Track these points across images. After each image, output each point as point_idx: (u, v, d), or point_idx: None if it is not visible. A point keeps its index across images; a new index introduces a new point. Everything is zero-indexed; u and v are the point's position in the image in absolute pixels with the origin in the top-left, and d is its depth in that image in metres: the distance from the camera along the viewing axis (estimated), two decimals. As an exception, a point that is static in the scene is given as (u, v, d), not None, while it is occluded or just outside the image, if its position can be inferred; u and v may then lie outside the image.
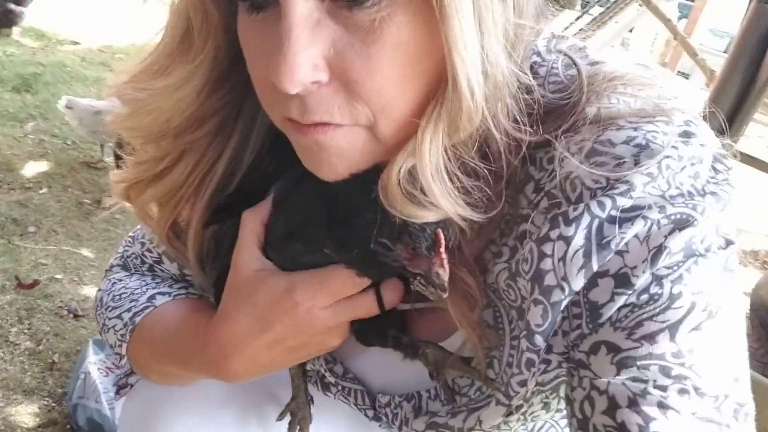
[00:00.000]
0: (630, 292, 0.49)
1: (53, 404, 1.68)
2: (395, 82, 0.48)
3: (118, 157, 0.72)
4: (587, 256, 0.50)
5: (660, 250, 0.48)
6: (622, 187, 0.49)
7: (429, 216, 0.51)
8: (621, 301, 0.50)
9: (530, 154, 0.55)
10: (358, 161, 0.53)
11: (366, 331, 0.65)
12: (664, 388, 0.47)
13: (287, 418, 0.73)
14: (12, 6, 4.34)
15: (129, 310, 0.77)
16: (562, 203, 0.52)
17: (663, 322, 0.48)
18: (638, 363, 0.48)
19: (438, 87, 0.50)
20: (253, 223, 0.64)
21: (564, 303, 0.52)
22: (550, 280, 0.51)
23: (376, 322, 0.63)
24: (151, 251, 0.82)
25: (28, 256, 2.25)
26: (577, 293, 0.52)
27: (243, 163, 0.66)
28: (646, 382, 0.47)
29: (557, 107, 0.55)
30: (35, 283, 2.11)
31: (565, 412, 0.55)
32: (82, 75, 4.31)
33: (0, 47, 4.24)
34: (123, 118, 0.63)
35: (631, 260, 0.49)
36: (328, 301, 0.60)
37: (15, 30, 4.55)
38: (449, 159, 0.51)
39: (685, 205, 0.49)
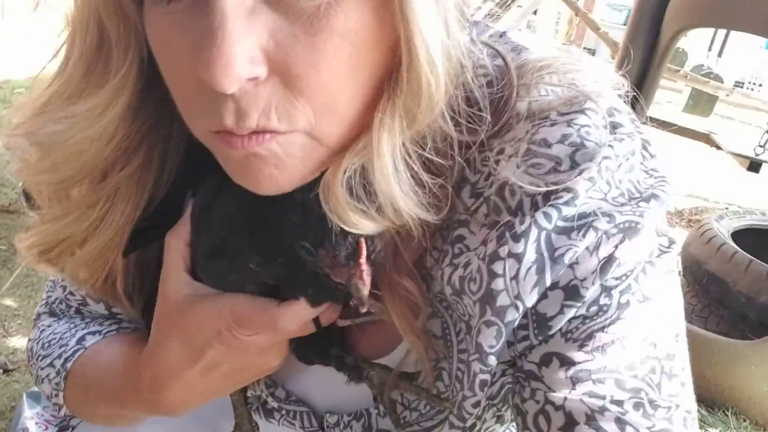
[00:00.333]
0: (579, 304, 0.49)
1: (-8, 467, 1.58)
2: (342, 75, 0.44)
3: (29, 198, 0.63)
4: (540, 272, 0.48)
5: (609, 261, 0.48)
6: (566, 196, 0.48)
7: (371, 226, 0.48)
8: (571, 313, 0.49)
9: (464, 154, 0.53)
10: (300, 170, 0.48)
11: (306, 350, 0.62)
12: (620, 403, 0.47)
13: None
14: None
15: (60, 356, 0.72)
16: (502, 211, 0.51)
17: (614, 333, 0.48)
18: (593, 377, 0.48)
19: (385, 78, 0.46)
20: (177, 245, 0.59)
21: (517, 321, 0.50)
22: (503, 300, 0.50)
23: (316, 339, 0.60)
24: (74, 294, 0.77)
25: (-55, 313, 2.11)
26: None
27: (161, 187, 0.61)
28: (603, 398, 0.47)
29: (489, 102, 0.52)
30: (-44, 341, 1.98)
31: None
32: (-18, 117, 4.10)
33: None
34: (37, 161, 0.55)
35: (581, 272, 0.48)
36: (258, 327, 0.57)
37: None
38: (408, 155, 0.48)
39: (633, 213, 0.48)
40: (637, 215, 0.48)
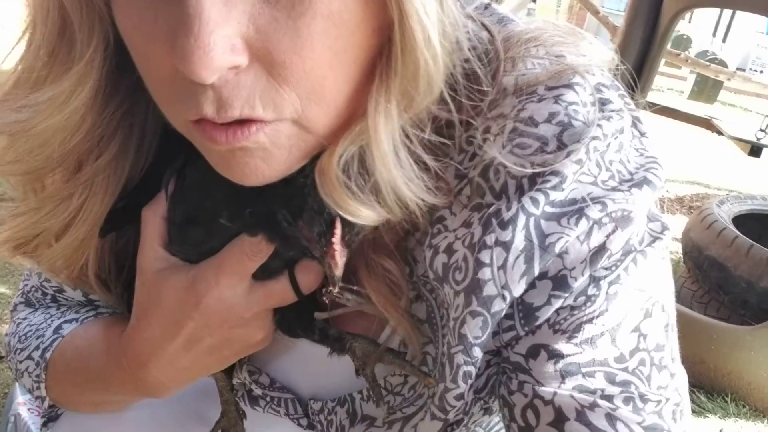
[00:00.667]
0: (567, 294, 0.47)
1: (-17, 455, 1.57)
2: (327, 59, 0.41)
3: None
4: (529, 261, 0.47)
5: (600, 251, 0.46)
6: (553, 180, 0.46)
7: (372, 215, 0.46)
8: (558, 303, 0.47)
9: (449, 133, 0.50)
10: (286, 160, 0.45)
11: (290, 323, 0.61)
12: (610, 398, 0.46)
13: None
14: None
15: (37, 347, 0.70)
16: (486, 193, 0.49)
17: (603, 325, 0.47)
18: (583, 370, 0.47)
19: (374, 61, 0.44)
20: (153, 219, 0.58)
21: (504, 311, 0.49)
22: (490, 290, 0.48)
23: (301, 312, 0.59)
24: (49, 281, 0.74)
25: (-63, 301, 2.10)
26: None
27: (137, 170, 0.58)
28: (593, 393, 0.46)
29: (476, 78, 0.50)
30: (-51, 329, 1.97)
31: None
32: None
33: None
34: (1, 152, 0.52)
35: (571, 262, 0.47)
36: (234, 283, 0.55)
37: None
38: (408, 139, 0.45)
39: (625, 200, 0.46)
40: (629, 203, 0.46)
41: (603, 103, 0.49)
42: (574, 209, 0.46)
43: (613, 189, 0.47)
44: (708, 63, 3.69)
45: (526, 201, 0.46)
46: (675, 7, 2.12)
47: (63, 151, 0.51)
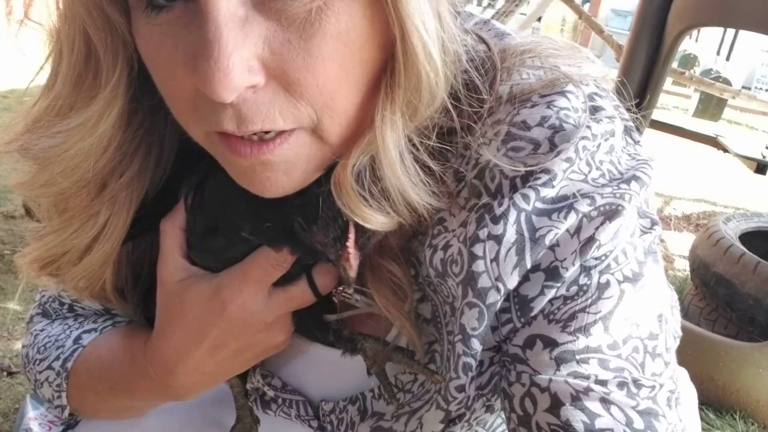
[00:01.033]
0: (559, 284, 0.49)
1: (-5, 469, 1.58)
2: (337, 75, 0.44)
3: (29, 211, 0.63)
4: (520, 253, 0.49)
5: (590, 241, 0.48)
6: (544, 177, 0.48)
7: (385, 221, 0.49)
8: (551, 293, 0.49)
9: (449, 139, 0.53)
10: (305, 171, 0.49)
11: (307, 323, 0.63)
12: (605, 383, 0.47)
13: None
14: None
15: (58, 357, 0.71)
16: (482, 194, 0.51)
17: (596, 313, 0.48)
18: (577, 357, 0.48)
19: (380, 74, 0.47)
20: (172, 231, 0.60)
21: (499, 304, 0.51)
22: (484, 282, 0.50)
23: (316, 313, 0.61)
24: (67, 290, 0.77)
25: (-50, 316, 2.12)
26: None
27: (158, 181, 0.61)
28: (587, 378, 0.47)
29: (474, 88, 0.53)
30: (-39, 345, 1.99)
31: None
32: (-11, 124, 4.13)
33: None
34: (33, 176, 0.54)
35: (561, 253, 0.49)
36: (257, 291, 0.57)
37: None
38: (413, 147, 0.48)
39: (613, 195, 0.49)
40: (618, 197, 0.48)
41: (596, 109, 0.52)
42: (565, 204, 0.48)
43: (603, 186, 0.49)
44: (712, 81, 3.72)
45: (517, 197, 0.48)
46: (679, 26, 2.13)
47: (92, 171, 0.54)
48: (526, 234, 0.49)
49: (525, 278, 0.50)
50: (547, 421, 0.47)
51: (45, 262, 0.60)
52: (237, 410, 0.69)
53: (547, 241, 0.48)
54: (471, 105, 0.52)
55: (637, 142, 0.54)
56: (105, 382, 0.69)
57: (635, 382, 0.48)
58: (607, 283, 0.49)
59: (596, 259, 0.49)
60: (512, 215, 0.48)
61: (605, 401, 0.46)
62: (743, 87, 8.16)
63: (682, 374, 0.79)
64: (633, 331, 0.49)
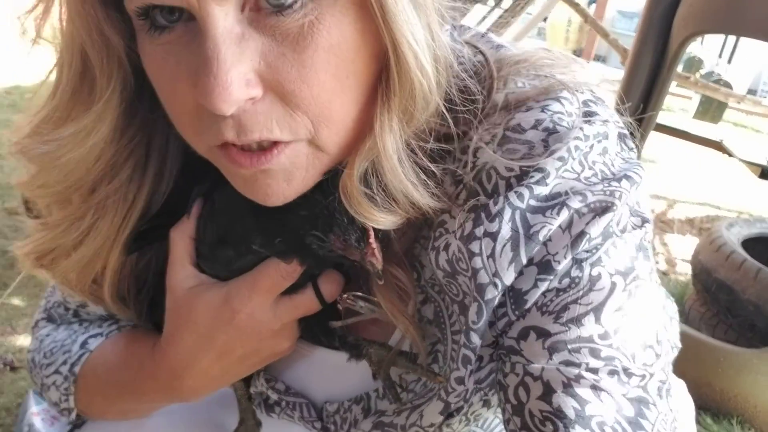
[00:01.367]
0: (552, 277, 0.51)
1: (-3, 464, 1.60)
2: (331, 85, 0.47)
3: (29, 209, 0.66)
4: (515, 249, 0.50)
5: (581, 235, 0.50)
6: (537, 175, 0.50)
7: (391, 220, 0.51)
8: (544, 286, 0.51)
9: (447, 144, 0.55)
10: (304, 179, 0.51)
11: (313, 330, 0.65)
12: (595, 371, 0.48)
13: None
14: None
15: (65, 362, 0.74)
16: (479, 193, 0.53)
17: (587, 304, 0.50)
18: (569, 347, 0.49)
19: (374, 83, 0.49)
20: (181, 240, 0.62)
21: (497, 300, 0.52)
22: (482, 278, 0.52)
23: (322, 320, 0.63)
24: (73, 296, 0.78)
25: (-47, 311, 2.13)
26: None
27: (160, 195, 0.63)
28: (578, 366, 0.48)
29: (470, 95, 0.55)
30: (-36, 339, 2.00)
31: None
32: (-7, 119, 4.15)
33: None
34: (31, 177, 0.58)
35: (553, 248, 0.50)
36: (266, 300, 0.59)
37: None
38: (412, 151, 0.51)
39: (603, 193, 0.50)
40: (608, 194, 0.50)
41: (590, 114, 0.54)
42: (557, 202, 0.50)
43: (594, 184, 0.51)
44: (717, 86, 3.71)
45: (512, 195, 0.50)
46: (684, 32, 2.14)
47: (85, 177, 0.57)
48: (521, 230, 0.50)
49: (519, 273, 0.52)
50: (539, 408, 0.49)
51: (38, 255, 0.63)
52: (240, 413, 0.71)
53: (541, 236, 0.50)
54: (467, 111, 0.54)
55: (631, 149, 0.55)
56: (114, 385, 0.71)
57: (625, 370, 0.49)
58: (599, 276, 0.50)
59: (587, 252, 0.50)
60: (507, 213, 0.50)
61: (596, 388, 0.48)
62: (749, 90, 8.15)
63: (680, 386, 0.80)
64: (624, 323, 0.50)
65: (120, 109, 0.54)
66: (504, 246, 0.51)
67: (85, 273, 0.64)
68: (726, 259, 2.45)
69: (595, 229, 0.50)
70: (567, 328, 0.50)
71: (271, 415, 0.73)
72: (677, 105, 7.28)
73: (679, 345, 0.58)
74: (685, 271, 3.05)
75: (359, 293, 0.61)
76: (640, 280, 0.52)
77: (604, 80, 0.58)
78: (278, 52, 0.45)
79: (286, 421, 0.72)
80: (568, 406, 0.47)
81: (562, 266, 0.50)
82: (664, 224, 3.92)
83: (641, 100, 2.16)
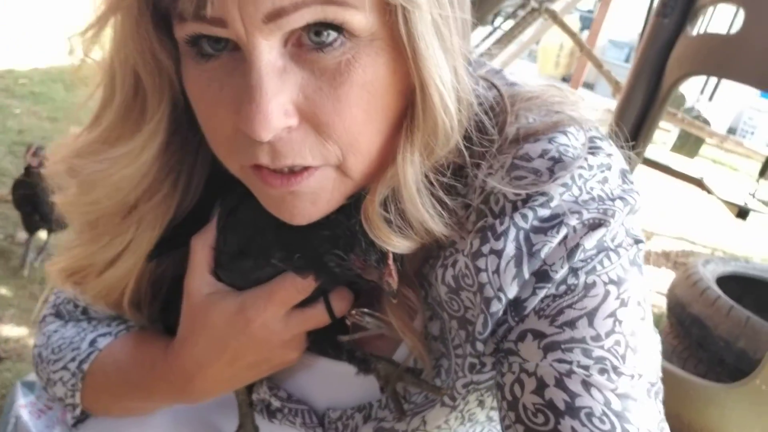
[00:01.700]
0: (549, 285, 0.54)
1: (-21, 454, 1.59)
2: (362, 119, 0.50)
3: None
4: (519, 265, 0.54)
5: (576, 247, 0.53)
6: (541, 199, 0.54)
7: (407, 244, 0.55)
8: (542, 293, 0.55)
9: (461, 174, 0.59)
10: (329, 201, 0.54)
11: (322, 343, 0.68)
12: (586, 368, 0.51)
13: None
14: None
15: (73, 359, 0.76)
16: (487, 216, 0.56)
17: (581, 309, 0.53)
18: (562, 346, 0.52)
19: (400, 117, 0.53)
20: (202, 248, 0.65)
21: (500, 312, 0.56)
22: (488, 292, 0.56)
23: (331, 333, 0.66)
24: (87, 299, 0.80)
25: (-62, 298, 2.12)
26: None
27: (185, 206, 0.66)
28: (570, 363, 0.52)
29: (485, 130, 0.59)
30: (-51, 326, 2.00)
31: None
32: (-15, 102, 4.12)
33: None
34: (78, 195, 0.61)
35: (551, 259, 0.54)
36: (279, 312, 0.62)
37: None
38: (430, 182, 0.55)
39: (597, 210, 0.54)
40: (601, 212, 0.54)
41: (595, 148, 0.57)
42: (557, 222, 0.54)
43: (590, 202, 0.55)
44: (703, 125, 3.81)
45: (516, 216, 0.54)
46: (677, 72, 2.20)
47: (131, 194, 0.60)
48: (524, 249, 0.54)
49: (521, 286, 0.55)
50: (532, 402, 0.52)
51: (71, 272, 0.66)
52: (240, 417, 0.74)
53: (543, 254, 0.54)
54: (482, 145, 0.58)
55: (632, 183, 0.59)
56: (123, 384, 0.73)
57: (615, 369, 0.52)
58: (593, 284, 0.54)
59: (582, 261, 0.54)
60: (512, 233, 0.54)
61: (585, 383, 0.51)
62: (729, 129, 8.31)
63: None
64: (616, 327, 0.53)
65: (169, 130, 0.58)
66: (508, 263, 0.54)
67: (116, 288, 0.67)
68: (701, 295, 2.53)
69: (589, 242, 0.53)
70: (561, 330, 0.53)
71: (273, 420, 0.76)
72: (656, 137, 7.39)
73: (660, 374, 0.61)
74: (659, 303, 3.12)
75: (367, 310, 0.64)
76: (633, 291, 0.55)
77: (600, 110, 0.62)
78: (316, 85, 0.48)
79: (288, 427, 0.75)
80: (559, 398, 0.50)
81: (559, 275, 0.54)
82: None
83: (631, 134, 2.22)
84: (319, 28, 0.47)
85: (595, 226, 0.54)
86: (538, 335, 0.54)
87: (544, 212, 0.54)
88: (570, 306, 0.54)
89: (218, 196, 0.67)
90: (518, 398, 0.53)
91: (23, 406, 1.60)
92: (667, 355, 2.58)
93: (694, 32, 2.06)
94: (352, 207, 0.56)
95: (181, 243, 0.67)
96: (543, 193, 0.54)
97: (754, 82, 2.21)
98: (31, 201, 2.43)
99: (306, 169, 0.51)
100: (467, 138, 0.56)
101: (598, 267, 0.54)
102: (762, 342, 2.31)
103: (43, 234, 2.55)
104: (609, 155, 0.58)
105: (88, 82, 0.58)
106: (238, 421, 0.74)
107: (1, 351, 1.95)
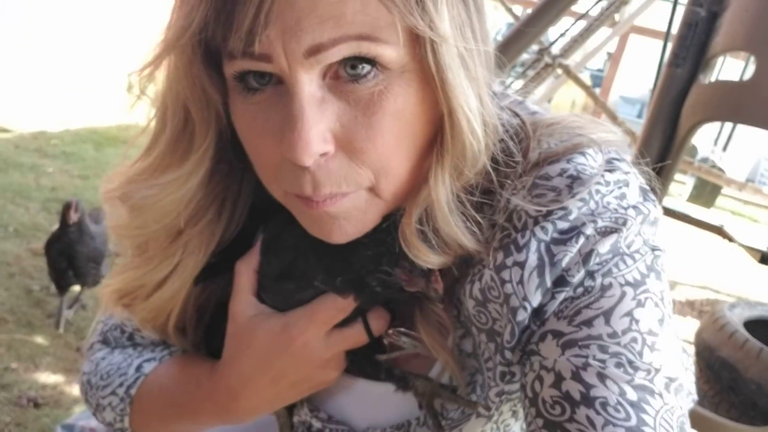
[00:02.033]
0: (567, 288, 0.57)
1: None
2: (393, 144, 0.55)
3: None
4: (541, 275, 0.57)
5: (590, 253, 0.56)
6: (560, 212, 0.57)
7: (441, 260, 0.59)
8: (561, 297, 0.57)
9: (488, 196, 0.63)
10: (363, 220, 0.59)
11: (360, 362, 0.71)
12: (602, 362, 0.53)
13: None
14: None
15: (121, 384, 0.79)
16: (510, 232, 0.60)
17: (598, 309, 0.55)
18: (579, 343, 0.55)
19: (430, 142, 0.57)
20: (246, 272, 0.69)
21: (526, 321, 0.59)
22: (513, 302, 0.58)
23: (369, 353, 0.69)
24: (131, 319, 0.82)
25: (-21, 346, 2.17)
26: None
27: (230, 233, 0.71)
28: (586, 357, 0.53)
29: (510, 154, 0.62)
30: (-11, 374, 2.04)
31: None
32: (18, 162, 4.26)
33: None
34: (129, 220, 0.65)
35: (567, 265, 0.57)
36: (321, 331, 0.66)
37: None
38: (460, 202, 0.59)
39: (610, 219, 0.57)
40: (613, 221, 0.57)
41: (612, 167, 0.60)
42: (575, 233, 0.57)
43: (605, 212, 0.57)
44: (719, 172, 3.85)
45: (537, 230, 0.57)
46: (693, 119, 2.25)
47: (177, 218, 0.64)
48: (546, 258, 0.57)
49: (544, 294, 0.58)
50: (550, 395, 0.53)
51: (122, 294, 0.70)
52: None
53: (564, 263, 0.56)
54: (508, 166, 0.61)
55: (653, 201, 0.61)
56: (169, 406, 0.76)
57: (631, 363, 0.53)
58: (610, 285, 0.56)
59: (598, 264, 0.56)
60: (533, 245, 0.57)
61: (601, 375, 0.52)
62: (747, 179, 8.28)
63: None
64: (632, 326, 0.55)
65: (214, 159, 0.63)
66: (531, 273, 0.57)
67: (162, 311, 0.71)
68: (729, 338, 2.52)
69: (603, 247, 0.55)
70: (579, 329, 0.54)
71: None
72: (671, 189, 7.40)
73: (695, 396, 0.62)
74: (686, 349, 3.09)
75: (403, 329, 0.67)
76: (651, 294, 0.56)
77: (620, 133, 0.65)
78: (351, 114, 0.52)
79: None
80: (575, 390, 0.52)
81: (576, 279, 0.56)
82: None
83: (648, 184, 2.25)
84: (354, 62, 0.52)
85: (607, 232, 0.56)
86: (557, 334, 0.56)
87: (563, 225, 0.57)
88: (587, 306, 0.56)
89: (260, 225, 0.71)
90: (538, 393, 0.55)
91: (64, 448, 1.64)
92: (699, 399, 2.54)
93: (707, 81, 2.11)
94: (390, 227, 0.60)
95: (226, 269, 0.71)
96: (562, 208, 0.57)
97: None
98: (67, 256, 2.46)
99: (340, 193, 0.56)
100: (494, 160, 0.60)
101: (614, 270, 0.56)
102: (794, 384, 2.29)
103: (76, 287, 2.61)
104: (626, 173, 0.61)
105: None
106: None
107: (39, 397, 1.98)
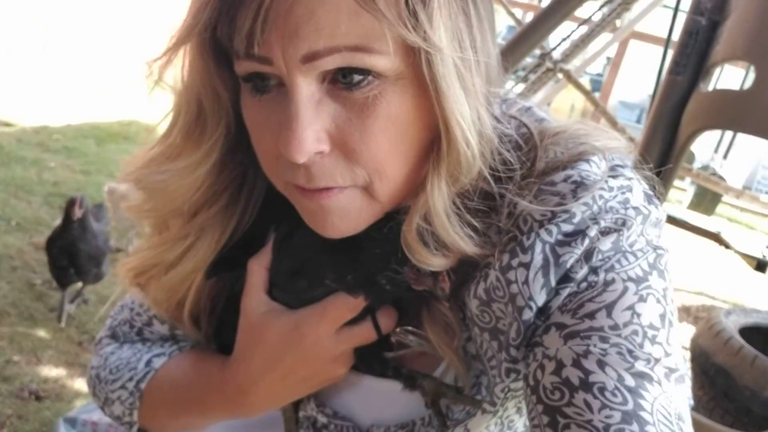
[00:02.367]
0: (571, 284, 0.58)
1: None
2: (387, 147, 0.57)
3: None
4: (546, 275, 0.58)
5: (591, 250, 0.58)
6: (564, 216, 0.59)
7: (444, 262, 0.61)
8: (565, 293, 0.59)
9: (491, 202, 0.64)
10: (356, 218, 0.61)
11: (369, 359, 0.72)
12: (603, 350, 0.55)
13: None
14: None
15: (131, 378, 0.80)
16: (516, 235, 0.61)
17: (600, 302, 0.57)
18: (581, 334, 0.56)
19: (426, 148, 0.59)
20: (258, 269, 0.71)
21: (532, 320, 0.60)
22: (519, 301, 0.60)
23: (377, 351, 0.71)
24: (140, 314, 0.85)
25: (-19, 339, 2.19)
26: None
27: (243, 225, 0.73)
28: (587, 345, 0.55)
29: (509, 163, 0.64)
30: (-9, 366, 2.05)
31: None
32: (20, 156, 4.27)
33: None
34: (141, 202, 0.69)
35: (570, 264, 0.59)
36: (331, 329, 0.67)
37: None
38: (457, 208, 0.61)
39: (612, 220, 0.59)
40: (614, 221, 0.59)
41: (616, 174, 0.62)
42: (579, 234, 0.58)
43: (607, 213, 0.59)
44: (718, 180, 3.88)
45: (542, 232, 0.59)
46: (692, 127, 2.26)
47: (186, 202, 0.67)
48: (551, 259, 0.58)
49: (549, 293, 0.60)
50: (551, 382, 0.55)
51: (138, 272, 0.73)
52: None
53: (568, 264, 0.58)
54: (509, 171, 0.62)
55: (657, 207, 0.62)
56: (181, 401, 0.78)
57: (631, 353, 0.54)
58: (612, 280, 0.57)
59: (601, 260, 0.58)
60: (538, 246, 0.59)
61: (600, 362, 0.53)
62: (744, 185, 8.31)
63: None
64: (634, 319, 0.56)
65: (223, 149, 0.66)
66: (536, 273, 0.58)
67: (175, 292, 0.74)
68: (724, 345, 2.54)
69: (604, 245, 0.57)
70: (581, 321, 0.56)
71: None
72: (672, 196, 7.43)
73: (692, 402, 0.62)
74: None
75: (410, 328, 0.69)
76: (653, 290, 0.57)
77: (623, 140, 0.66)
78: (346, 117, 0.55)
79: None
80: (575, 376, 0.53)
81: (579, 275, 0.57)
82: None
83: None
84: (347, 71, 0.53)
85: (608, 231, 0.58)
86: (561, 326, 0.57)
87: (567, 228, 0.59)
88: (590, 300, 0.57)
89: (273, 223, 0.73)
90: (539, 381, 0.56)
91: (67, 440, 1.65)
92: (694, 406, 2.56)
93: (707, 89, 2.12)
94: (397, 226, 0.61)
95: (238, 266, 0.72)
96: (566, 211, 0.59)
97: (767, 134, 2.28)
98: (68, 254, 2.47)
99: (337, 187, 0.58)
100: (495, 168, 0.62)
101: (617, 266, 0.58)
102: (788, 391, 2.32)
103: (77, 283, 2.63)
104: (630, 179, 0.62)
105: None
106: None
107: (41, 391, 1.99)
